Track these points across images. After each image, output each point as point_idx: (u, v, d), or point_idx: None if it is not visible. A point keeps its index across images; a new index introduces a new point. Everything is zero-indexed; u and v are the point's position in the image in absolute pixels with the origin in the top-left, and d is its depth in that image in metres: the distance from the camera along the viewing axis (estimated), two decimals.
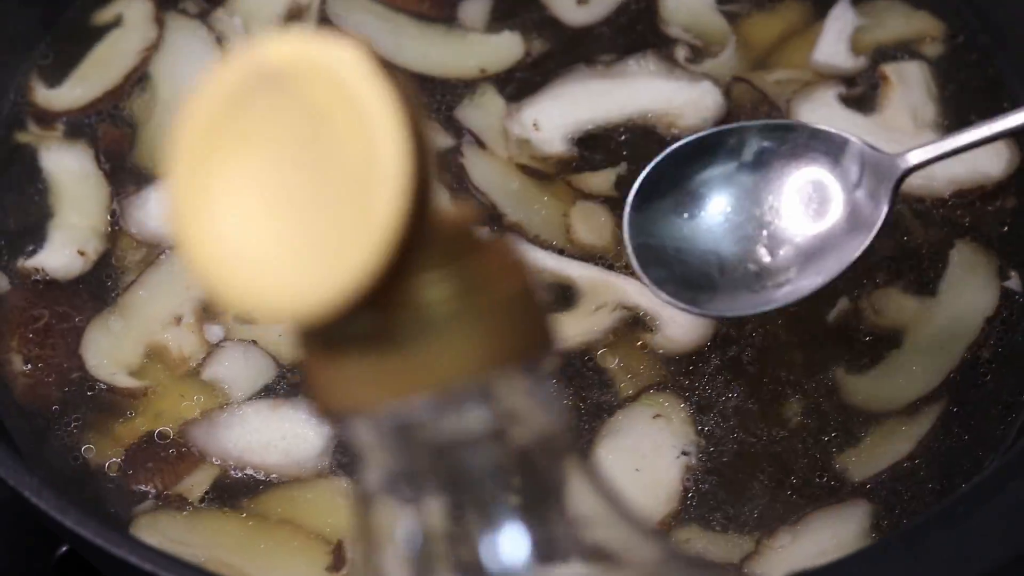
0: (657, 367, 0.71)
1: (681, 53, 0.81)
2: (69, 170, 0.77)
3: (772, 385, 0.71)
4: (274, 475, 0.69)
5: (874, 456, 0.70)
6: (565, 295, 0.73)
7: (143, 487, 0.69)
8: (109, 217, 0.76)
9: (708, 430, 0.70)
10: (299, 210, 0.30)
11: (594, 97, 0.78)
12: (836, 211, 0.65)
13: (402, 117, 0.30)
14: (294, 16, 0.82)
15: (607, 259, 0.74)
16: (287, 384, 0.71)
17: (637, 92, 0.79)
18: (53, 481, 0.66)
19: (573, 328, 0.72)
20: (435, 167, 0.31)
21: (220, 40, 0.81)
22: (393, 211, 0.29)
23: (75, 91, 0.80)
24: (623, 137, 0.78)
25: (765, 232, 0.63)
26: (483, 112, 0.79)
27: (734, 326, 0.72)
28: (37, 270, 0.74)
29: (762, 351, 0.72)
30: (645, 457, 0.69)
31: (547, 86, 0.79)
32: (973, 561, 0.57)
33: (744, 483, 0.69)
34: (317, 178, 0.30)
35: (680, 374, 0.71)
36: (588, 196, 0.76)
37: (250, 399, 0.70)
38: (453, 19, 0.82)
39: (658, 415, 0.70)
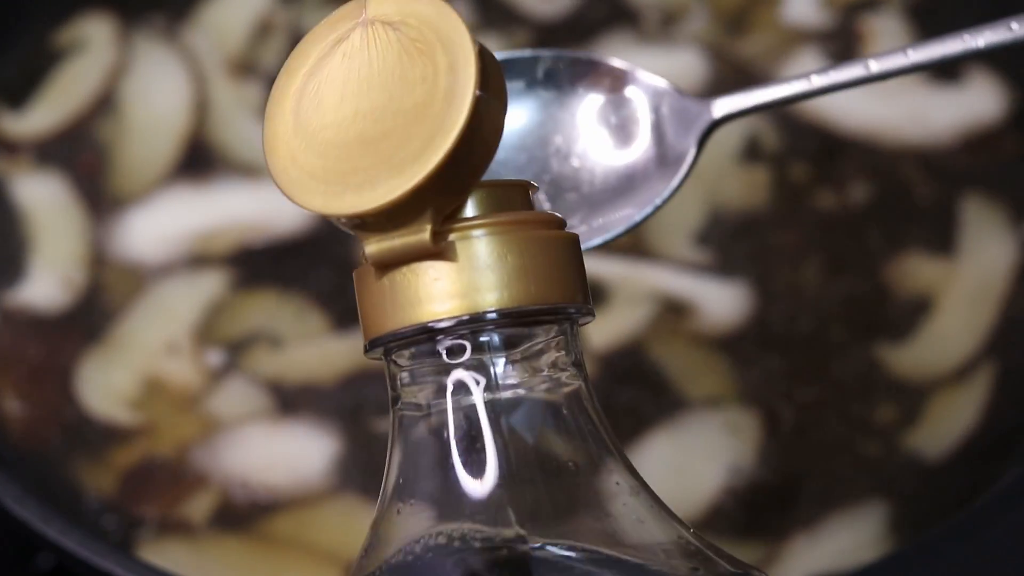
0: (710, 357, 0.71)
1: (651, 22, 0.80)
2: (43, 199, 0.77)
3: (826, 382, 0.70)
4: (279, 495, 0.68)
5: (941, 430, 0.69)
6: (596, 295, 0.72)
7: (145, 513, 0.68)
8: (91, 245, 0.75)
9: (769, 448, 0.68)
10: (377, 121, 0.35)
11: None
12: (635, 156, 0.56)
13: (482, 60, 0.35)
14: (263, 32, 0.81)
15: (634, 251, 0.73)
16: (289, 405, 0.70)
17: None
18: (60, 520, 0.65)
19: (614, 325, 0.71)
20: (504, 104, 0.36)
21: (188, 59, 0.80)
22: (462, 132, 0.34)
23: (41, 117, 0.79)
24: None
25: (548, 177, 0.58)
26: None
27: (771, 304, 0.71)
28: (23, 305, 0.74)
29: (806, 341, 0.71)
30: (694, 460, 0.68)
31: None
32: (989, 574, 0.57)
33: (789, 497, 0.68)
34: (398, 97, 0.35)
35: (736, 374, 0.70)
36: None
37: (252, 419, 0.70)
38: None
39: (728, 425, 0.69)
